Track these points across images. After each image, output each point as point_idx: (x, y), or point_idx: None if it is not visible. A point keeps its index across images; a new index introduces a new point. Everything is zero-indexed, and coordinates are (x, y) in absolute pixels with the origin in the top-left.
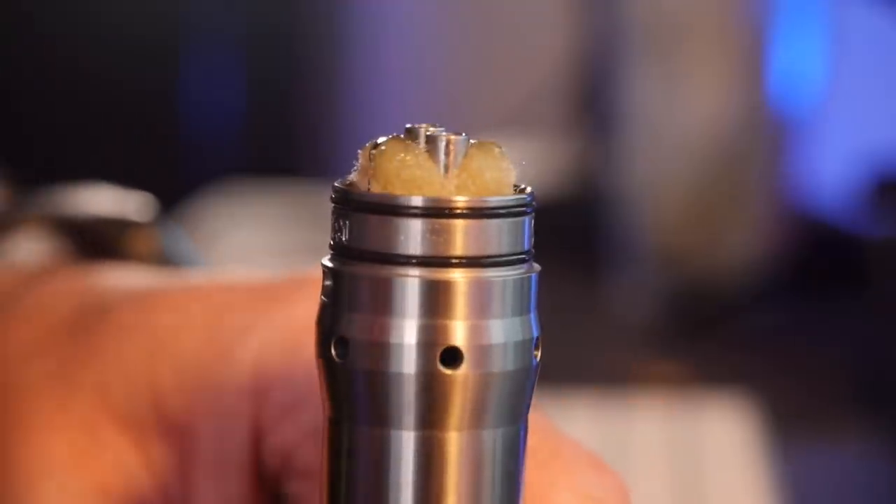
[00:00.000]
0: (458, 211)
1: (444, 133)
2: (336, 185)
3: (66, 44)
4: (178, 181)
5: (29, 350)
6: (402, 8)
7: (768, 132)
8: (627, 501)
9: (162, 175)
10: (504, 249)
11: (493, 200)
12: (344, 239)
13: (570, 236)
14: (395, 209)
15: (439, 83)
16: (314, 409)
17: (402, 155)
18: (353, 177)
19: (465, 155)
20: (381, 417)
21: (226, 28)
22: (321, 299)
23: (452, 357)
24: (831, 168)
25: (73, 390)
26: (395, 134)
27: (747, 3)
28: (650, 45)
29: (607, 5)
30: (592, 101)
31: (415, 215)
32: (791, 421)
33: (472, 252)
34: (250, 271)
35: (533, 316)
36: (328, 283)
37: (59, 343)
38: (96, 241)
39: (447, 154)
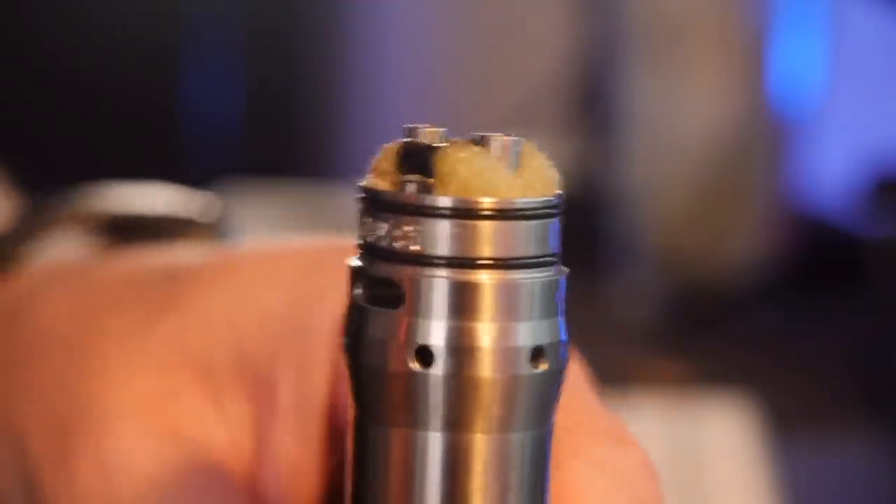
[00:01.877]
0: (531, 212)
1: (496, 134)
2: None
3: (66, 44)
4: (177, 181)
5: (111, 303)
6: (403, 8)
7: (768, 132)
8: (652, 476)
9: (161, 175)
10: (533, 251)
11: (556, 197)
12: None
13: (570, 236)
14: (470, 213)
15: (439, 83)
16: None
17: (478, 158)
18: (374, 181)
19: (523, 154)
20: (408, 418)
21: (226, 28)
22: (349, 298)
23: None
24: (831, 168)
25: (153, 339)
26: (453, 138)
27: (747, 3)
28: (651, 46)
29: (608, 5)
30: (593, 101)
31: (489, 217)
32: (791, 420)
33: (501, 254)
34: (337, 237)
35: (561, 319)
36: (357, 284)
37: (141, 297)
38: (151, 240)
39: (508, 154)
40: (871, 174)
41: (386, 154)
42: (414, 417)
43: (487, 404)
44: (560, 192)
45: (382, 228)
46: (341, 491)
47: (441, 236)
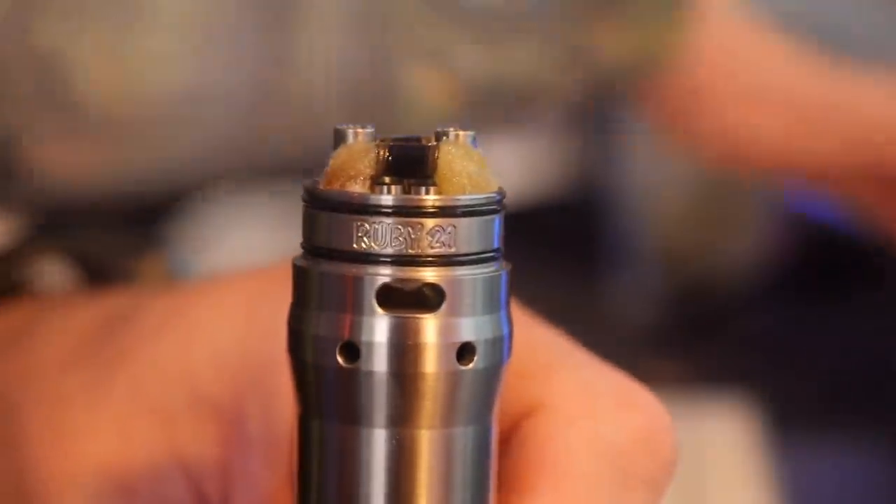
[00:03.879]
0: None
1: (452, 129)
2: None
3: None
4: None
5: (61, 364)
6: None
7: None
8: (649, 450)
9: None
10: (476, 247)
11: (499, 193)
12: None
13: (570, 237)
14: (413, 211)
15: None
16: None
17: (476, 156)
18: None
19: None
20: (351, 415)
21: None
22: (292, 297)
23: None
24: None
25: (106, 394)
26: (422, 136)
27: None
28: None
29: None
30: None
31: (431, 215)
32: (791, 421)
33: (444, 251)
34: (281, 261)
35: (502, 314)
36: (298, 282)
37: (90, 353)
38: (107, 270)
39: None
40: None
41: (357, 156)
42: (349, 413)
43: (431, 399)
44: (501, 187)
45: (335, 230)
46: None
47: (386, 235)
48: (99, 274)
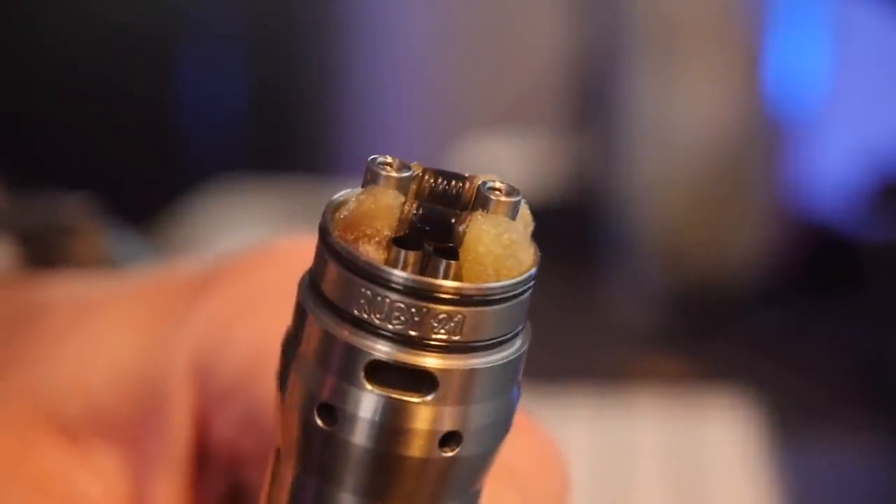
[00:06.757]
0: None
1: (496, 188)
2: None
3: (63, 42)
4: (176, 178)
5: None
6: (403, 6)
7: (769, 133)
8: (549, 473)
9: (160, 173)
10: (483, 336)
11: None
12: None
13: (569, 236)
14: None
15: (439, 81)
16: (251, 395)
17: (508, 234)
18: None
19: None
20: (325, 472)
21: (225, 25)
22: (289, 331)
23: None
24: (832, 168)
25: (3, 395)
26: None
27: (748, 3)
28: (650, 45)
29: (607, 6)
30: (592, 100)
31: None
32: (791, 420)
33: (448, 339)
34: (190, 262)
35: (503, 399)
36: (297, 311)
37: None
38: (43, 249)
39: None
40: (871, 176)
41: (381, 212)
42: (323, 470)
43: (394, 479)
44: (537, 257)
45: (339, 283)
46: None
47: (389, 310)
48: (39, 253)
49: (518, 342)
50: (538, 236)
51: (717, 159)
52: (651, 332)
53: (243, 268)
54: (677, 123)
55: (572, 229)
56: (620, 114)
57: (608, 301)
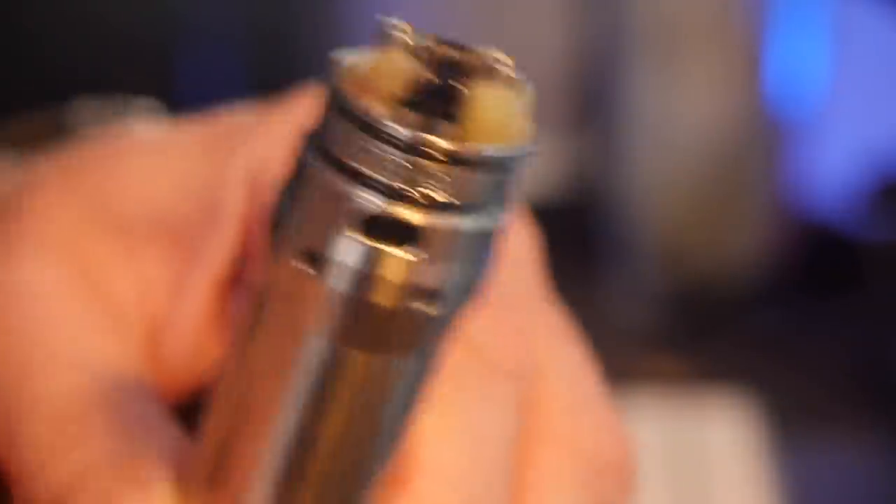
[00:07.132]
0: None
1: (495, 54)
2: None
3: (63, 41)
4: None
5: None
6: (402, 7)
7: (769, 133)
8: (625, 478)
9: None
10: (471, 199)
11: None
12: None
13: (569, 236)
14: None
15: None
16: None
17: (510, 104)
18: (374, 105)
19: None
20: (294, 317)
21: (225, 26)
22: (285, 176)
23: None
24: (832, 168)
25: (74, 192)
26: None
27: (747, 3)
28: (651, 46)
29: (608, 6)
30: (592, 100)
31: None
32: (791, 420)
33: (436, 197)
34: (235, 108)
35: (480, 264)
36: (296, 160)
37: (62, 158)
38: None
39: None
40: (872, 176)
41: (394, 75)
42: (293, 314)
43: (368, 326)
44: (533, 134)
45: (340, 133)
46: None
47: (384, 164)
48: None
49: (501, 217)
50: (538, 236)
51: (717, 159)
52: (651, 332)
53: (291, 104)
54: (677, 123)
55: (572, 229)
56: (621, 114)
57: (608, 301)
